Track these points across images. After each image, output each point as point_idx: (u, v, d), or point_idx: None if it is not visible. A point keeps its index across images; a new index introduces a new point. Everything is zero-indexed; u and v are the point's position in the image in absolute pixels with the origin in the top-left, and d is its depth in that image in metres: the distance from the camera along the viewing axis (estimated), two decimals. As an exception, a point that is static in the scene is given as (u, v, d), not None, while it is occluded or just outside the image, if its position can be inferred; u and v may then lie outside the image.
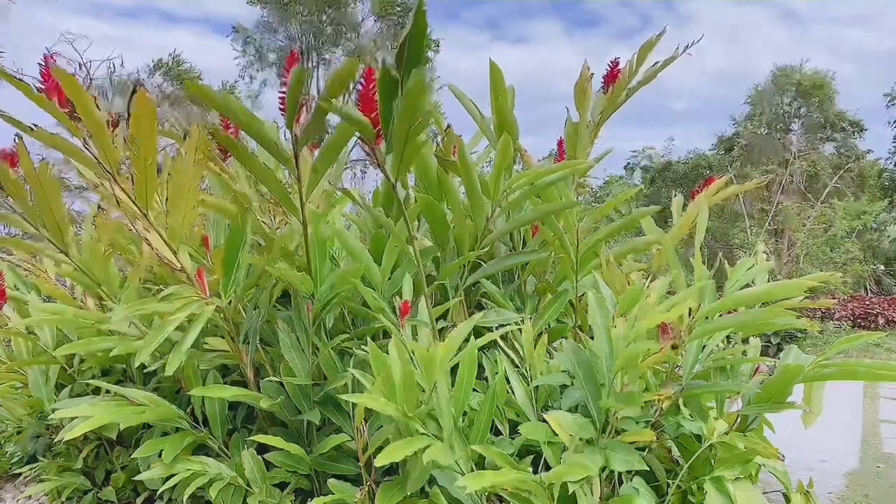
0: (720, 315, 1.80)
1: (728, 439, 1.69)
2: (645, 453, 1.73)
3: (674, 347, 1.65)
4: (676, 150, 24.93)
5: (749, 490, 1.65)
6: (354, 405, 1.86)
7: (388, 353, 1.62)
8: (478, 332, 1.94)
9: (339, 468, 1.92)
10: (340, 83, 1.54)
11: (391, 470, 1.90)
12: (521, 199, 2.14)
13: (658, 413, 1.81)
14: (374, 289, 2.03)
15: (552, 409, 1.82)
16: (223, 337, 2.01)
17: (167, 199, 1.73)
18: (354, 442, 1.83)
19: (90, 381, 2.17)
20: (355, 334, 2.12)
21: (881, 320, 11.25)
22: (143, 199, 1.69)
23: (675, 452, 1.90)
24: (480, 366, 1.97)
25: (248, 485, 1.87)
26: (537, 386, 1.92)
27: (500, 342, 1.98)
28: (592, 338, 1.77)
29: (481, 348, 1.74)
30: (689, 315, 1.74)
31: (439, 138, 2.38)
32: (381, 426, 1.82)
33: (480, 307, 2.31)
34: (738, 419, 1.95)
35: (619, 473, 1.73)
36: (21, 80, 1.49)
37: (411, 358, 1.62)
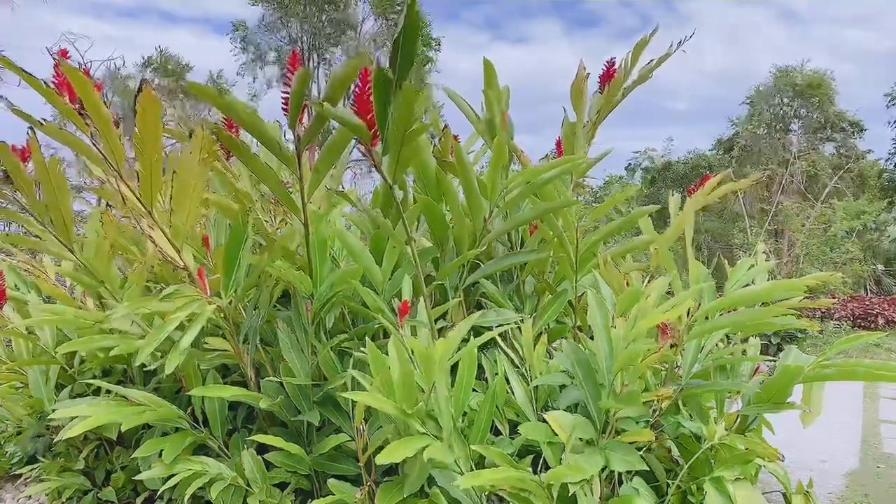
0: (719, 314, 1.80)
1: (728, 440, 1.69)
2: (644, 453, 1.73)
3: (672, 346, 1.65)
4: (676, 151, 24.90)
5: (749, 490, 1.65)
6: (354, 406, 1.86)
7: (387, 353, 1.62)
8: (477, 332, 1.94)
9: (339, 468, 1.92)
10: (341, 86, 1.54)
11: (391, 470, 1.90)
12: (518, 198, 2.14)
13: (657, 413, 1.81)
14: (374, 289, 2.03)
15: (552, 409, 1.82)
16: (223, 336, 2.02)
17: (171, 198, 1.73)
18: (354, 442, 1.83)
19: (90, 382, 2.18)
20: (355, 333, 2.13)
21: (881, 320, 11.26)
22: (148, 196, 1.70)
23: (675, 452, 1.90)
24: (480, 366, 1.97)
25: (248, 485, 1.87)
26: (537, 386, 1.92)
27: (500, 342, 1.98)
28: (592, 338, 1.77)
29: (481, 348, 1.74)
30: (688, 315, 1.74)
31: (437, 139, 2.38)
32: (381, 426, 1.82)
33: (480, 307, 2.31)
34: (738, 419, 1.95)
35: (619, 473, 1.73)
36: (31, 74, 1.50)
37: (410, 358, 1.62)
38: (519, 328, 2.05)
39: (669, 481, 1.76)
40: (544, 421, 1.67)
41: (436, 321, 2.03)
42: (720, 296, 1.83)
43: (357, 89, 1.56)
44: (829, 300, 1.98)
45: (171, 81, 18.03)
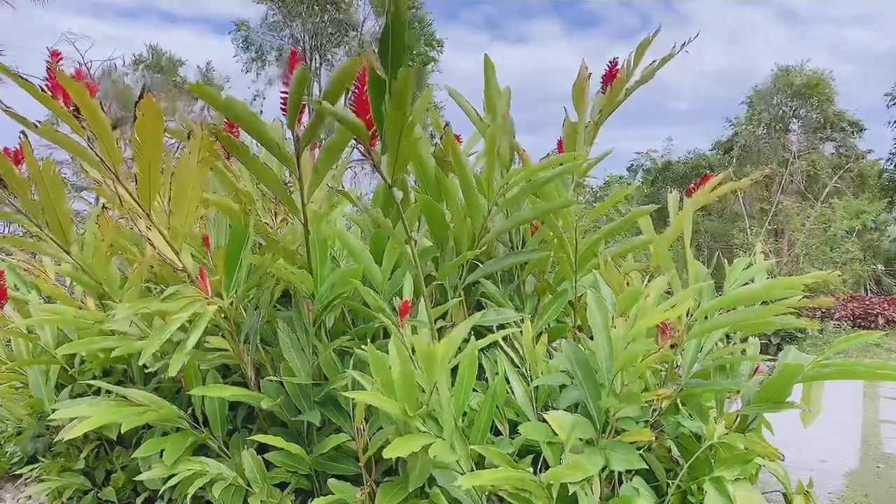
0: (718, 314, 1.80)
1: (728, 439, 1.69)
2: (644, 452, 1.73)
3: (672, 346, 1.65)
4: (677, 151, 24.91)
5: (749, 490, 1.65)
6: (355, 406, 1.87)
7: (387, 353, 1.62)
8: (478, 332, 1.94)
9: (340, 468, 1.92)
10: (339, 85, 1.54)
11: (391, 470, 1.90)
12: (518, 196, 2.14)
13: (657, 413, 1.81)
14: (374, 289, 2.03)
15: (552, 409, 1.82)
16: (224, 336, 2.02)
17: (170, 199, 1.73)
18: (354, 442, 1.83)
19: (91, 382, 2.18)
20: (355, 333, 2.13)
21: (881, 320, 11.26)
22: (146, 198, 1.70)
23: (675, 452, 1.90)
24: (480, 366, 1.97)
25: (249, 485, 1.87)
26: (537, 386, 1.92)
27: (500, 342, 1.98)
28: (592, 337, 1.77)
29: (481, 348, 1.74)
30: (688, 314, 1.74)
31: (438, 138, 2.38)
32: (381, 427, 1.82)
33: (480, 307, 2.31)
34: (738, 419, 1.95)
35: (619, 473, 1.73)
36: (26, 79, 1.50)
37: (411, 358, 1.62)
38: (520, 329, 2.05)
39: (669, 481, 1.76)
40: (544, 421, 1.67)
41: (436, 321, 2.03)
42: (719, 295, 1.83)
43: (356, 89, 1.56)
44: (829, 300, 1.98)
45: (162, 77, 18.07)
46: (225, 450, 2.05)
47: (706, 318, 1.76)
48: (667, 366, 1.86)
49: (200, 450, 2.05)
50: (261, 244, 2.20)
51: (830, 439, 3.56)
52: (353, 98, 1.58)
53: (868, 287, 17.26)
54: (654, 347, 1.59)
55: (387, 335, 2.08)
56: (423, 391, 1.59)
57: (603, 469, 1.56)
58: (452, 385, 1.61)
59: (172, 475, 1.81)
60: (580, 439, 1.64)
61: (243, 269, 1.94)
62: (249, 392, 1.96)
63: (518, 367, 2.01)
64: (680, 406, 1.87)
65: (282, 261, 1.93)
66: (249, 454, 1.90)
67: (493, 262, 2.27)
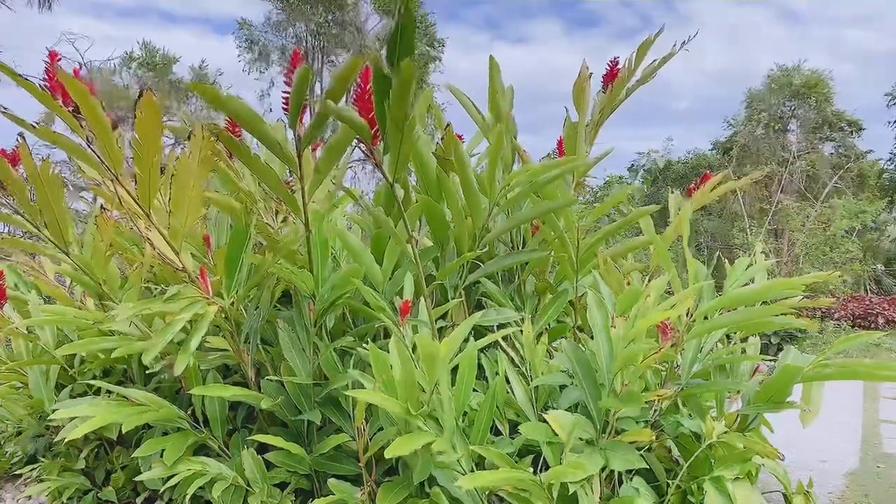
0: (718, 314, 1.80)
1: (727, 439, 1.69)
2: (644, 452, 1.74)
3: (672, 346, 1.65)
4: (677, 150, 24.92)
5: (748, 490, 1.65)
6: (355, 406, 1.87)
7: (388, 353, 1.62)
8: (478, 331, 1.94)
9: (340, 468, 1.92)
10: (342, 84, 1.54)
11: (391, 470, 1.90)
12: (519, 197, 2.14)
13: (657, 413, 1.81)
14: (374, 289, 2.03)
15: (552, 408, 1.82)
16: (224, 337, 2.02)
17: (170, 199, 1.73)
18: (355, 442, 1.83)
19: (91, 382, 2.18)
20: (356, 333, 2.13)
21: (881, 320, 11.26)
22: (146, 198, 1.69)
23: (675, 452, 1.90)
24: (480, 366, 1.97)
25: (249, 485, 1.87)
26: (537, 386, 1.92)
27: (501, 342, 1.98)
28: (592, 337, 1.77)
29: (481, 348, 1.74)
30: (688, 314, 1.74)
31: (440, 138, 2.38)
32: (381, 427, 1.82)
33: (480, 307, 2.31)
34: (738, 419, 1.95)
35: (619, 473, 1.73)
36: (26, 78, 1.50)
37: (412, 357, 1.62)
38: (520, 329, 2.05)
39: (669, 481, 1.76)
40: (544, 421, 1.67)
41: (436, 321, 2.03)
42: (719, 295, 1.83)
43: (358, 89, 1.56)
44: (829, 300, 1.98)
45: (155, 75, 18.07)
46: (225, 450, 2.05)
47: (706, 317, 1.77)
48: (667, 365, 1.86)
49: (200, 450, 2.06)
50: (261, 244, 2.20)
51: (830, 439, 3.56)
52: (354, 97, 1.58)
53: (868, 287, 17.25)
54: (654, 347, 1.59)
55: (387, 335, 2.08)
56: (424, 391, 1.59)
57: (603, 469, 1.56)
58: (453, 385, 1.61)
59: (172, 475, 1.81)
60: (580, 439, 1.64)
61: (244, 269, 1.94)
62: (250, 392, 1.96)
63: (518, 367, 2.01)
64: (680, 406, 1.87)
65: (283, 261, 1.93)
66: (249, 454, 1.90)
67: (493, 261, 2.27)
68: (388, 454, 1.38)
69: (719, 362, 1.86)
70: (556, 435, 1.62)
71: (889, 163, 20.62)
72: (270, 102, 19.75)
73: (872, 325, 11.23)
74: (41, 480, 2.40)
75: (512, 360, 2.01)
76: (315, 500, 1.75)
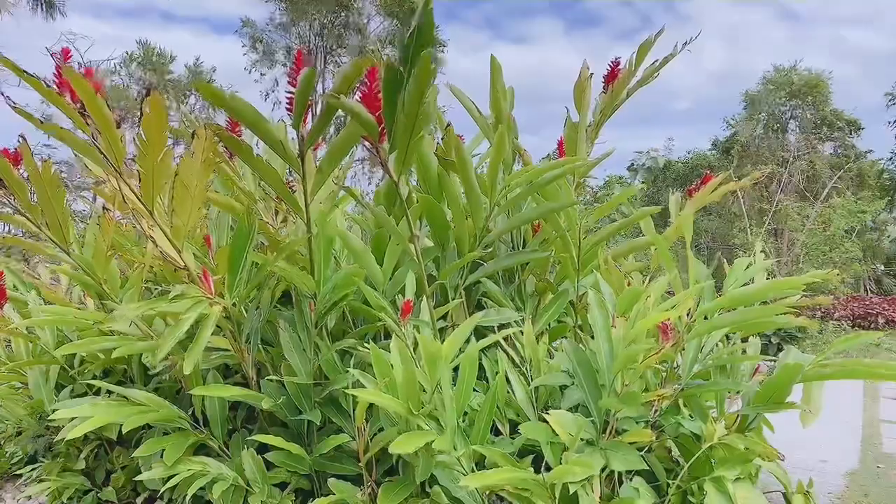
0: (718, 314, 1.80)
1: (728, 439, 1.69)
2: (644, 453, 1.73)
3: (672, 346, 1.65)
4: (677, 150, 24.94)
5: (749, 490, 1.65)
6: (355, 406, 1.87)
7: (388, 353, 1.62)
8: (478, 331, 1.94)
9: (340, 468, 1.92)
10: (347, 83, 1.55)
11: (392, 470, 1.90)
12: (520, 197, 2.14)
13: (657, 413, 1.81)
14: (375, 289, 2.03)
15: (552, 409, 1.82)
16: (225, 336, 2.02)
17: (172, 198, 1.73)
18: (355, 442, 1.83)
19: (91, 382, 2.17)
20: (357, 334, 2.13)
21: (881, 320, 11.26)
22: (149, 197, 1.70)
23: (675, 452, 1.90)
24: (480, 366, 1.97)
25: (249, 485, 1.87)
26: (538, 386, 1.92)
27: (501, 342, 1.98)
28: (593, 337, 1.77)
29: (482, 348, 1.75)
30: (688, 315, 1.74)
31: (440, 137, 2.38)
32: (382, 427, 1.82)
33: (480, 307, 2.31)
34: (738, 419, 1.95)
35: (620, 473, 1.73)
36: (33, 76, 1.50)
37: (412, 357, 1.62)
38: (520, 329, 2.05)
39: (669, 481, 1.76)
40: (545, 421, 1.67)
41: (436, 321, 2.03)
42: (719, 295, 1.83)
43: (364, 87, 1.57)
44: (827, 298, 1.98)
45: (156, 75, 18.10)
46: (225, 450, 2.05)
47: (705, 318, 1.76)
48: (667, 365, 1.86)
49: (200, 450, 2.05)
50: (262, 244, 2.20)
51: (830, 439, 3.56)
52: (361, 95, 1.59)
53: (868, 287, 17.26)
54: (655, 347, 1.59)
55: (387, 336, 2.08)
56: (425, 391, 1.59)
57: (603, 469, 1.56)
58: (453, 385, 1.61)
59: (172, 475, 1.81)
60: (581, 439, 1.64)
61: (245, 269, 1.94)
62: (251, 392, 1.95)
63: (518, 367, 2.01)
64: (681, 406, 1.87)
65: (285, 261, 1.93)
66: (250, 454, 1.90)
67: (494, 261, 2.27)
68: (392, 450, 1.39)
69: (719, 362, 1.86)
70: (557, 435, 1.62)
71: (890, 162, 20.63)
72: (275, 98, 19.78)
73: (872, 325, 11.23)
74: (41, 480, 2.40)
75: (512, 360, 2.01)
76: (315, 500, 1.75)
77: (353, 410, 1.90)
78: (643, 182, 21.48)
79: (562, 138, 2.39)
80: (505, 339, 2.03)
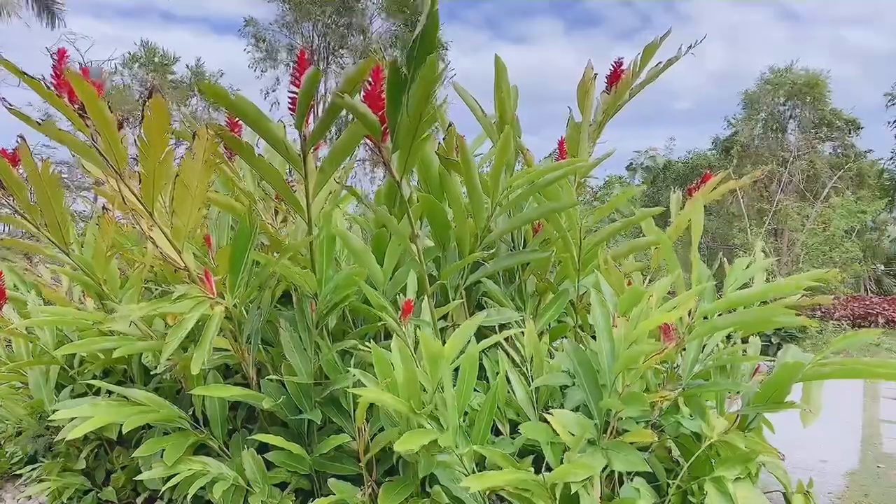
0: (719, 314, 1.80)
1: (728, 438, 1.69)
2: (647, 454, 1.73)
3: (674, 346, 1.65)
4: (677, 150, 24.95)
5: (750, 490, 1.64)
6: (356, 406, 1.87)
7: (389, 352, 1.62)
8: (479, 332, 1.94)
9: (340, 468, 1.92)
10: (353, 83, 1.55)
11: (392, 470, 1.90)
12: (521, 197, 2.14)
13: (657, 413, 1.81)
14: (375, 289, 2.03)
15: (552, 409, 1.82)
16: (225, 336, 2.01)
17: (173, 199, 1.73)
18: (355, 442, 1.83)
19: (91, 382, 2.17)
20: (357, 334, 2.13)
21: (881, 320, 11.27)
22: (149, 197, 1.70)
23: (676, 452, 1.90)
24: (481, 366, 1.97)
25: (249, 485, 1.87)
26: (538, 386, 1.92)
27: (502, 342, 1.98)
28: (594, 337, 1.77)
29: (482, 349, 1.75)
30: (689, 315, 1.74)
31: (442, 137, 2.38)
32: (382, 427, 1.82)
33: (481, 307, 2.31)
34: (738, 419, 1.95)
35: (620, 473, 1.73)
36: (32, 77, 1.50)
37: (413, 357, 1.62)
38: (521, 329, 2.05)
39: (670, 481, 1.76)
40: (545, 421, 1.67)
41: (437, 321, 2.03)
42: (720, 296, 1.83)
43: (368, 87, 1.57)
44: (826, 297, 1.98)
45: (157, 76, 18.09)
46: (225, 450, 2.05)
47: (705, 318, 1.76)
48: (667, 366, 1.86)
49: (200, 450, 2.05)
50: (262, 244, 2.19)
51: (831, 439, 3.56)
52: (364, 95, 1.59)
53: (868, 287, 17.26)
54: (656, 348, 1.59)
55: (388, 336, 2.08)
56: (425, 391, 1.59)
57: (603, 469, 1.56)
58: (454, 385, 1.61)
59: (173, 475, 1.81)
60: (581, 439, 1.64)
61: (247, 269, 1.94)
62: (251, 392, 1.95)
63: (519, 367, 2.01)
64: (680, 406, 1.87)
65: (286, 261, 1.93)
66: (250, 454, 1.90)
67: (495, 261, 2.27)
68: (397, 447, 1.40)
69: (720, 363, 1.86)
70: (557, 435, 1.62)
71: (890, 162, 20.63)
72: (274, 99, 19.78)
73: (872, 325, 11.23)
74: (41, 480, 2.40)
75: (513, 360, 2.01)
76: (315, 500, 1.75)
77: (354, 410, 1.90)
78: (642, 182, 21.48)
79: (563, 138, 2.39)
80: (505, 339, 2.03)
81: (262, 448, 1.90)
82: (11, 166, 1.89)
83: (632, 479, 1.72)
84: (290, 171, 2.11)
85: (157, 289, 2.50)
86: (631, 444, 1.61)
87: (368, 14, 19.56)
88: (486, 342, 1.74)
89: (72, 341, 2.44)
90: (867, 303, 12.42)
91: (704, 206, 2.24)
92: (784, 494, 1.98)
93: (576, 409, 1.79)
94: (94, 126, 1.58)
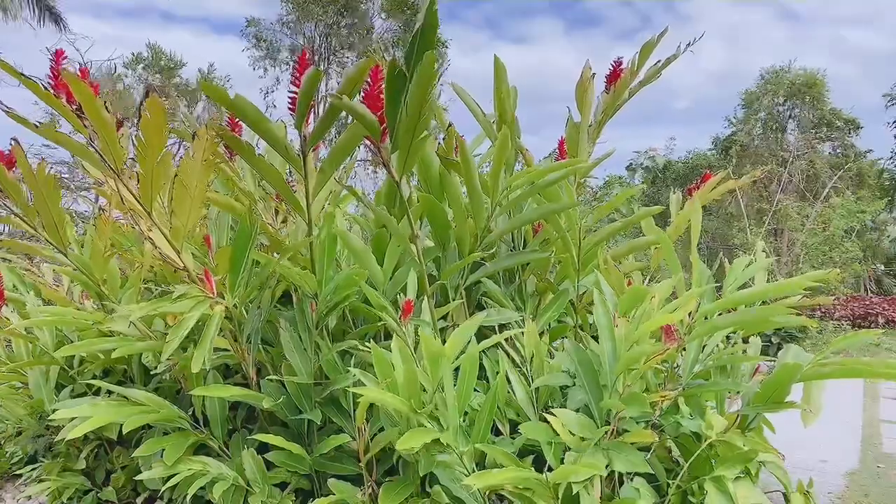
0: (719, 314, 1.80)
1: (728, 438, 1.69)
2: (648, 455, 1.73)
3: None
4: (676, 150, 24.97)
5: (750, 489, 1.65)
6: (356, 406, 1.87)
7: (389, 352, 1.62)
8: (479, 332, 1.94)
9: (340, 468, 1.92)
10: (353, 84, 1.55)
11: (392, 470, 1.90)
12: (521, 198, 2.14)
13: (657, 412, 1.81)
14: (375, 289, 2.03)
15: (552, 409, 1.82)
16: (225, 336, 2.01)
17: (172, 199, 1.73)
18: (355, 442, 1.83)
19: (91, 382, 2.17)
20: (357, 334, 2.13)
21: (881, 320, 11.27)
22: (148, 198, 1.70)
23: (675, 452, 1.90)
24: (481, 365, 1.97)
25: (249, 485, 1.87)
26: (538, 386, 1.92)
27: (502, 342, 1.98)
28: (594, 337, 1.77)
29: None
30: (689, 315, 1.74)
31: (442, 137, 2.38)
32: (382, 427, 1.82)
33: (481, 307, 2.31)
34: (738, 419, 1.95)
35: (620, 473, 1.73)
36: (30, 78, 1.50)
37: (413, 357, 1.62)
38: (521, 329, 2.05)
39: (670, 481, 1.76)
40: (545, 421, 1.67)
41: (437, 321, 2.03)
42: (720, 296, 1.83)
43: (367, 87, 1.57)
44: (827, 298, 1.98)
45: (163, 79, 18.10)
46: (225, 450, 2.05)
47: (706, 318, 1.76)
48: (667, 366, 1.86)
49: (200, 450, 2.05)
50: (262, 244, 2.19)
51: (830, 439, 3.56)
52: (363, 95, 1.59)
53: (868, 287, 17.25)
54: (657, 348, 1.59)
55: (388, 336, 2.08)
56: (425, 390, 1.59)
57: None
58: (454, 385, 1.61)
59: (173, 475, 1.81)
60: (583, 439, 1.64)
61: (247, 269, 1.94)
62: (251, 392, 1.95)
63: (519, 367, 2.01)
64: (681, 406, 1.87)
65: (286, 261, 1.93)
66: (250, 454, 1.90)
67: (495, 261, 2.27)
68: (399, 446, 1.40)
69: (720, 363, 1.86)
70: (557, 435, 1.62)
71: (890, 162, 20.62)
72: (271, 101, 19.77)
73: (872, 325, 11.24)
74: (41, 480, 2.40)
75: (513, 360, 2.01)
76: (315, 501, 1.75)
77: (354, 410, 1.90)
78: (642, 182, 21.48)
79: (562, 138, 2.39)
80: (505, 339, 2.03)
81: (262, 448, 1.90)
82: (7, 169, 1.89)
83: (632, 479, 1.72)
84: (290, 171, 2.11)
85: (156, 289, 2.50)
86: (632, 444, 1.61)
87: (370, 14, 19.57)
88: (486, 342, 1.74)
89: (72, 341, 2.44)
90: (867, 303, 12.42)
91: (704, 206, 2.24)
92: (784, 494, 1.98)
93: (577, 410, 1.79)
94: (91, 126, 1.58)
